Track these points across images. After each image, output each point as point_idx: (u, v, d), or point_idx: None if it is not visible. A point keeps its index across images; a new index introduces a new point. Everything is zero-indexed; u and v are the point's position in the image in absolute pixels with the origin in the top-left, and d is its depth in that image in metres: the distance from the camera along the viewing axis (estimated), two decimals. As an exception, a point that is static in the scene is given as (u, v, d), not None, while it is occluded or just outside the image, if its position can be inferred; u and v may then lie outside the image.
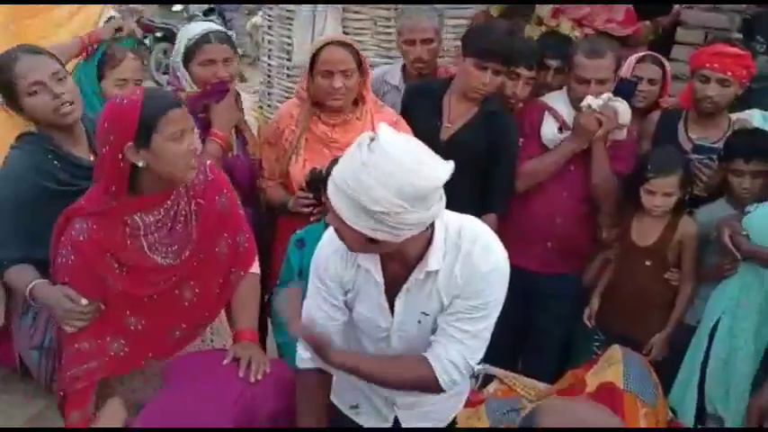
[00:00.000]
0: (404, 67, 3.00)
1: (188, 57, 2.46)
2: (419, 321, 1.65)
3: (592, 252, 2.84)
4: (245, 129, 2.58)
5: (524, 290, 2.77)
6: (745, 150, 2.46)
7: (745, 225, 2.39)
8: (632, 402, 2.13)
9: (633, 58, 3.01)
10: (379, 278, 1.60)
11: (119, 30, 2.93)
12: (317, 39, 2.50)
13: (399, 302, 1.63)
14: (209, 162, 2.03)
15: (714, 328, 2.45)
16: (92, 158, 2.11)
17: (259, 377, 1.79)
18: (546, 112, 2.71)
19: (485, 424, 2.28)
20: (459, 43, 2.75)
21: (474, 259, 1.55)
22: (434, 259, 1.55)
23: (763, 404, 2.16)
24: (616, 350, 2.33)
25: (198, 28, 2.51)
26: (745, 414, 2.35)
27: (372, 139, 1.38)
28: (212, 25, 2.59)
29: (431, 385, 1.61)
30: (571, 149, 2.64)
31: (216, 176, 2.01)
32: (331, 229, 1.56)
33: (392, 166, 1.35)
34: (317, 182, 2.24)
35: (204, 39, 2.44)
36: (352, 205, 1.38)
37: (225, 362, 1.83)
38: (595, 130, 2.55)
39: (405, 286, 1.60)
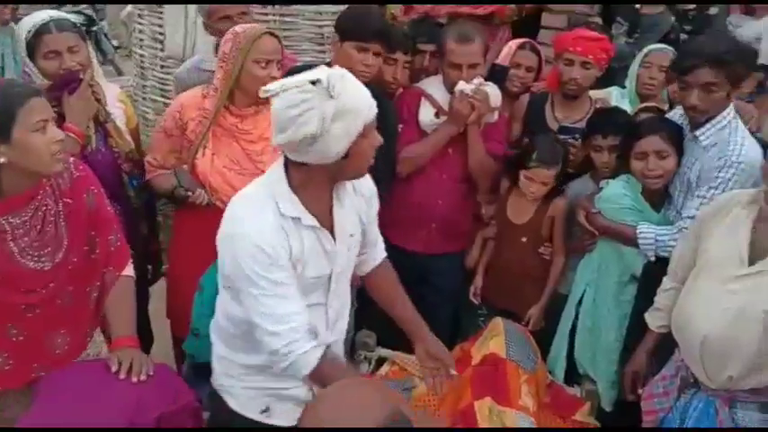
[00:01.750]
0: (216, 49, 2.79)
1: (31, 50, 2.29)
2: (348, 249, 1.81)
3: (474, 230, 2.96)
4: (106, 120, 2.44)
5: (413, 271, 2.86)
6: (603, 127, 2.64)
7: (596, 203, 2.56)
8: (514, 370, 2.27)
9: (513, 44, 3.14)
10: (310, 220, 1.69)
11: None
12: (248, 27, 2.39)
13: (336, 215, 1.75)
14: (72, 159, 1.94)
15: (580, 299, 2.63)
16: None
17: (142, 377, 1.74)
18: (423, 98, 2.77)
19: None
20: (321, 30, 2.75)
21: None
22: None
23: (636, 369, 2.32)
24: (498, 322, 2.46)
25: (37, 17, 2.31)
26: (616, 377, 2.54)
27: None
28: (53, 12, 2.39)
29: None
30: (448, 133, 2.72)
31: (82, 173, 1.93)
32: (260, 224, 1.64)
33: None
34: None
35: (43, 29, 2.27)
36: None
37: (111, 369, 1.76)
38: (469, 114, 2.64)
39: (333, 202, 1.75)
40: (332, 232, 1.77)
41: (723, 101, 2.28)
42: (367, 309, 2.83)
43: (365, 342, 2.61)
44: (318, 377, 1.68)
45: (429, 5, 3.39)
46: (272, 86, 1.63)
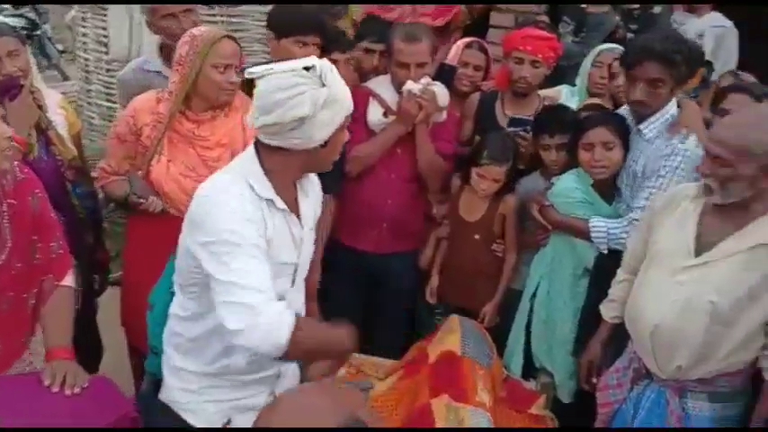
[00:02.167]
0: (161, 50, 2.80)
1: None
2: (312, 241, 1.83)
3: (425, 229, 2.96)
4: (48, 128, 2.37)
5: (365, 271, 2.86)
6: (550, 125, 2.66)
7: (549, 198, 2.60)
8: (470, 366, 2.27)
9: (461, 43, 3.16)
10: (282, 204, 1.71)
11: None
12: (206, 31, 2.33)
13: (302, 205, 1.78)
14: (16, 162, 1.88)
15: (534, 293, 2.66)
16: None
17: (77, 390, 1.69)
18: (371, 98, 2.76)
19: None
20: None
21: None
22: None
23: (590, 359, 2.36)
24: (454, 320, 2.46)
25: None
26: (573, 368, 2.57)
27: None
28: None
29: None
30: (396, 133, 2.72)
31: (27, 176, 1.89)
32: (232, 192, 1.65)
33: None
34: None
35: None
36: None
37: (45, 382, 1.70)
38: (417, 113, 2.65)
39: (298, 192, 1.79)
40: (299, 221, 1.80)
41: (667, 96, 2.34)
42: (321, 308, 2.81)
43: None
44: (301, 340, 1.57)
45: (392, 14, 3.38)
46: (258, 69, 1.65)
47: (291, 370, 1.94)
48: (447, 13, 3.54)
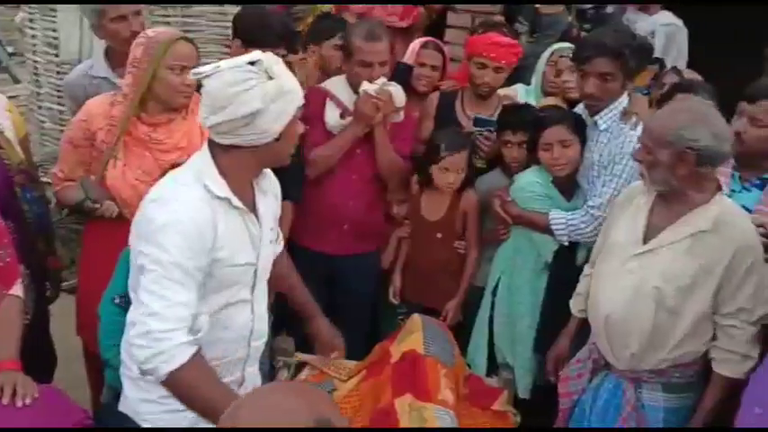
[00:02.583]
0: (107, 54, 2.72)
1: None
2: (270, 242, 1.82)
3: (387, 229, 2.96)
4: (-7, 132, 2.30)
5: (326, 273, 2.84)
6: (512, 123, 2.71)
7: (511, 193, 2.64)
8: (433, 365, 2.27)
9: (417, 43, 3.17)
10: (238, 203, 1.69)
11: None
12: (161, 32, 2.28)
13: (259, 204, 1.76)
14: None
15: (496, 288, 2.69)
16: None
17: (27, 401, 1.64)
18: (328, 99, 2.75)
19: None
20: (226, 31, 2.68)
21: None
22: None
23: (559, 353, 2.40)
24: (416, 319, 2.46)
25: None
26: (531, 363, 2.62)
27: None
28: None
29: None
30: (354, 135, 2.71)
31: None
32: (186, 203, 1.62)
33: None
34: None
35: None
36: None
37: None
38: (374, 114, 2.64)
39: (256, 192, 1.77)
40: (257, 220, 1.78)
41: (617, 90, 2.42)
42: (284, 314, 2.79)
43: (283, 348, 2.57)
44: (179, 380, 1.58)
45: (364, 8, 3.37)
46: (204, 68, 1.64)
47: (253, 377, 1.91)
48: (412, 15, 3.56)
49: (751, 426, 1.65)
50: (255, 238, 1.76)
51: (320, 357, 2.54)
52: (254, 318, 1.82)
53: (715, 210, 1.93)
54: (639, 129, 2.36)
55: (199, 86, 2.04)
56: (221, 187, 1.67)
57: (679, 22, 4.26)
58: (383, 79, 2.65)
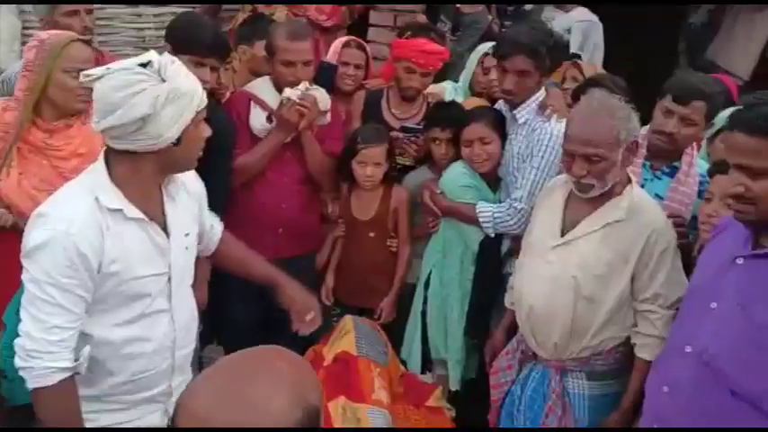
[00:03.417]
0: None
1: None
2: (186, 248, 1.76)
3: (323, 230, 2.94)
4: None
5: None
6: (441, 120, 2.74)
7: (440, 185, 2.68)
8: (366, 365, 2.28)
9: (338, 42, 3.15)
10: (134, 213, 1.63)
11: None
12: (54, 34, 2.20)
13: (169, 211, 1.70)
14: None
15: (428, 282, 2.72)
16: None
17: None
18: (253, 102, 2.69)
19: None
20: (159, 33, 2.62)
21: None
22: None
23: (495, 344, 2.44)
24: (348, 320, 2.47)
25: None
26: (461, 354, 2.65)
27: None
28: None
29: None
30: (279, 141, 2.67)
31: None
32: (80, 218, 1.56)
33: None
34: None
35: None
36: None
37: None
38: (298, 121, 2.60)
39: (164, 198, 1.69)
40: (165, 229, 1.70)
41: (535, 86, 2.49)
42: (213, 324, 2.73)
43: (213, 358, 2.51)
44: (40, 399, 1.58)
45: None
46: (94, 71, 1.58)
47: (184, 386, 1.85)
48: (338, 14, 3.56)
49: (663, 405, 1.72)
50: (162, 247, 1.70)
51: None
52: (175, 327, 1.76)
53: (627, 200, 2.02)
54: (554, 121, 2.45)
55: None
56: (114, 198, 1.61)
57: (594, 18, 4.41)
58: (305, 84, 2.62)
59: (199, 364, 2.54)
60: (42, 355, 1.55)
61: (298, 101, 2.57)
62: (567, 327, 2.03)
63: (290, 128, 2.63)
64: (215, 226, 2.02)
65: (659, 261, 1.99)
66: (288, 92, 2.58)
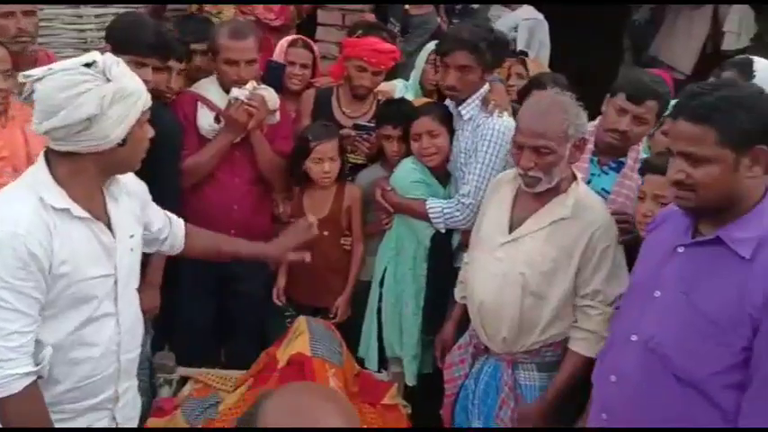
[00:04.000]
0: None
1: None
2: (131, 250, 1.73)
3: (273, 231, 2.91)
4: None
5: (215, 282, 2.77)
6: (392, 117, 2.75)
7: (391, 182, 2.69)
8: (321, 366, 2.27)
9: (284, 41, 3.12)
10: (80, 212, 1.59)
11: None
12: None
13: (112, 212, 1.66)
14: None
15: (383, 279, 2.72)
16: None
17: None
18: (199, 103, 2.65)
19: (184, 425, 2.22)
20: (101, 34, 2.55)
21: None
22: None
23: (444, 338, 2.46)
24: (302, 321, 2.45)
25: None
26: (417, 349, 2.66)
27: None
28: None
29: None
30: (227, 141, 2.64)
31: None
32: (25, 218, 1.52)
33: None
34: None
35: None
36: None
37: None
38: (247, 121, 2.58)
39: (107, 199, 1.66)
40: (110, 230, 1.67)
41: (477, 82, 2.52)
42: (165, 329, 2.67)
43: (164, 364, 2.45)
44: (7, 408, 1.54)
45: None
46: (35, 71, 1.54)
47: (129, 393, 1.82)
48: (286, 13, 3.52)
49: (610, 394, 1.75)
50: (109, 248, 1.67)
51: (203, 370, 2.46)
52: (120, 331, 1.72)
53: (573, 197, 2.04)
54: (497, 116, 2.48)
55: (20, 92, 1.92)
56: (59, 198, 1.57)
57: (540, 17, 4.49)
58: (253, 83, 2.59)
59: (150, 371, 2.48)
60: (3, 364, 1.51)
61: (246, 100, 2.54)
62: (516, 322, 2.05)
63: (238, 128, 2.60)
64: (173, 222, 1.99)
65: (601, 258, 2.02)
66: (236, 92, 2.55)
